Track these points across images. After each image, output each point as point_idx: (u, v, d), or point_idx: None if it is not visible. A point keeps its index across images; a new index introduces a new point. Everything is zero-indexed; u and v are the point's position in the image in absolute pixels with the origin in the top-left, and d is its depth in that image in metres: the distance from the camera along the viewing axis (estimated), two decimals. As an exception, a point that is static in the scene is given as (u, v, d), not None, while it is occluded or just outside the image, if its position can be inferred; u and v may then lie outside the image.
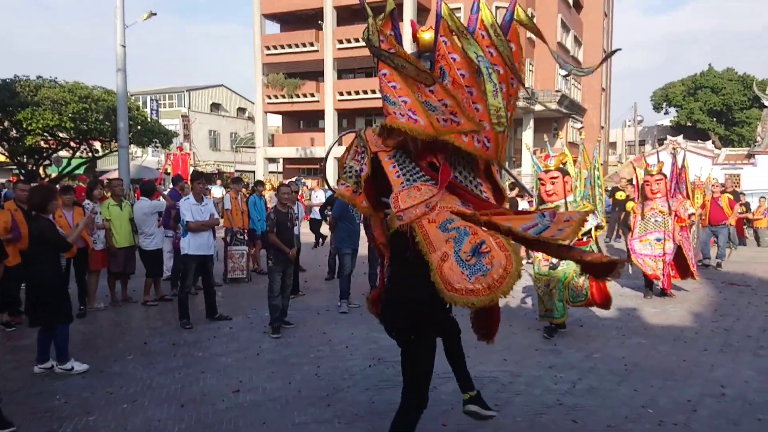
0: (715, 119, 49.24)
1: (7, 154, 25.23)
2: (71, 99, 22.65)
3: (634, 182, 9.92)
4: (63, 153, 27.76)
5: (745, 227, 16.47)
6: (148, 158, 40.20)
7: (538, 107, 31.66)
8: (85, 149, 26.84)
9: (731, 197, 13.27)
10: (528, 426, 4.27)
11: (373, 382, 5.13)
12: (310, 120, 37.87)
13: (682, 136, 35.97)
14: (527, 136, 32.15)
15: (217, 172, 35.65)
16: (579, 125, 38.47)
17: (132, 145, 25.35)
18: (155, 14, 16.37)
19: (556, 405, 4.63)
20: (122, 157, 15.08)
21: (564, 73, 36.34)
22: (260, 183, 11.70)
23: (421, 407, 3.33)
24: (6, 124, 22.86)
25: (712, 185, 12.69)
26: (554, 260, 6.47)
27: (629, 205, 9.67)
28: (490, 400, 4.64)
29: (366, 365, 5.60)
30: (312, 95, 34.46)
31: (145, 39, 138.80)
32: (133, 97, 32.91)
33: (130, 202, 8.76)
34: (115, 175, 18.15)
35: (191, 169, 20.67)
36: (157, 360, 5.80)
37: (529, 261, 7.83)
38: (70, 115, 22.30)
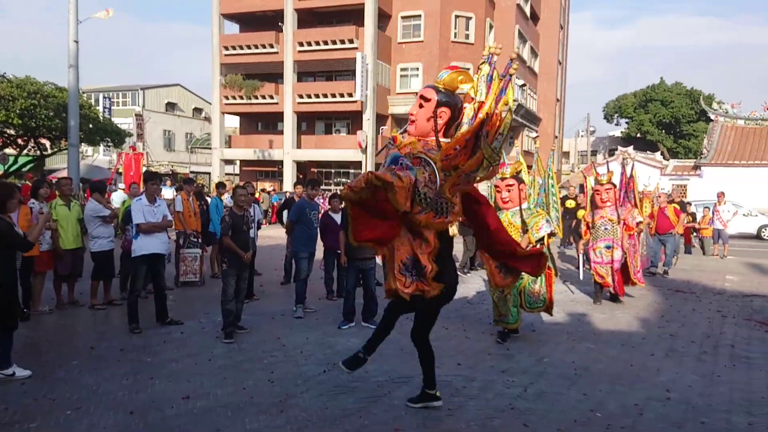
0: (663, 131, 50.99)
1: (-51, 150, 24.23)
2: (19, 95, 21.90)
3: (585, 191, 10.18)
4: (9, 150, 26.79)
5: (692, 236, 17.03)
6: (99, 157, 39.25)
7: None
8: (33, 147, 25.96)
9: (677, 207, 13.73)
10: (480, 429, 4.30)
11: (327, 388, 5.09)
12: (269, 122, 37.51)
13: (632, 146, 37.07)
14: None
15: (171, 173, 34.93)
16: (534, 134, 39.23)
17: (83, 144, 24.66)
18: (109, 12, 15.95)
19: (508, 409, 4.69)
20: (72, 155, 14.67)
21: (521, 83, 37.06)
22: (222, 185, 11.45)
23: None
24: (-51, 119, 21.94)
25: (658, 195, 13.08)
26: (509, 267, 6.57)
27: (580, 213, 9.91)
28: (444, 404, 4.70)
29: (320, 370, 5.56)
30: (271, 97, 34.14)
31: (99, 35, 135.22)
32: (85, 95, 32.05)
33: (79, 203, 8.49)
34: (64, 174, 17.59)
35: (144, 170, 20.20)
36: (104, 365, 5.62)
37: (484, 267, 7.92)
38: (17, 111, 21.55)
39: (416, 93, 4.33)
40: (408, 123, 4.25)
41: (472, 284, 10.45)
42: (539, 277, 6.81)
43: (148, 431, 4.20)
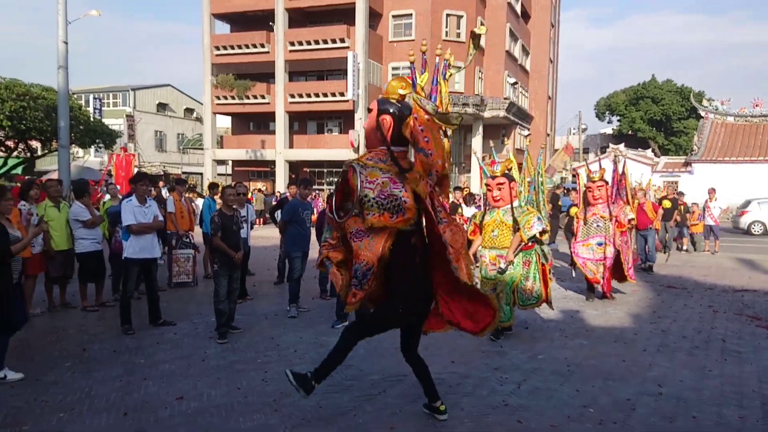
0: (654, 128, 51.27)
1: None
2: (8, 96, 21.70)
3: (578, 189, 10.22)
4: (-2, 153, 26.59)
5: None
6: (90, 159, 38.99)
7: (487, 114, 32.21)
8: (23, 149, 25.75)
9: (656, 202, 13.77)
10: (474, 426, 4.32)
11: (322, 387, 5.02)
12: (261, 122, 37.43)
13: (623, 144, 37.24)
14: (476, 142, 32.63)
15: (162, 173, 34.76)
16: (526, 132, 39.33)
17: (74, 146, 24.48)
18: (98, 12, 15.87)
19: (501, 406, 4.71)
20: (62, 157, 14.56)
21: (513, 81, 37.12)
22: (215, 185, 11.45)
23: None
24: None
25: (633, 189, 13.02)
26: (502, 265, 6.58)
27: (572, 210, 9.93)
28: (437, 403, 4.69)
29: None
30: (263, 97, 34.06)
31: (89, 36, 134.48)
32: (75, 96, 31.83)
33: (68, 204, 8.44)
34: (54, 175, 17.47)
35: (135, 171, 20.10)
36: (96, 368, 5.60)
37: (476, 265, 7.95)
38: (6, 113, 21.37)
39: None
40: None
41: (465, 282, 10.45)
42: (532, 274, 6.83)
43: (141, 432, 4.19)
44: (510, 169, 6.98)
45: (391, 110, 4.10)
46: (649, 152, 37.25)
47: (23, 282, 7.50)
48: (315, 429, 4.27)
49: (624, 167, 9.77)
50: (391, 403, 4.76)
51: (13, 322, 5.25)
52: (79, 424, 4.31)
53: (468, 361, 5.88)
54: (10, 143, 24.91)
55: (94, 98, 37.94)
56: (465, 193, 13.02)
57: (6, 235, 5.19)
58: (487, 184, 6.86)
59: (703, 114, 34.52)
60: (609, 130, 57.72)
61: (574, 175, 25.48)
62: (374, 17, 32.99)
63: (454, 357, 5.97)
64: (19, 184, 10.94)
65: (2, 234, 5.17)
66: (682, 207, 15.74)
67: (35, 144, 25.90)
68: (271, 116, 34.60)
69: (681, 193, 16.42)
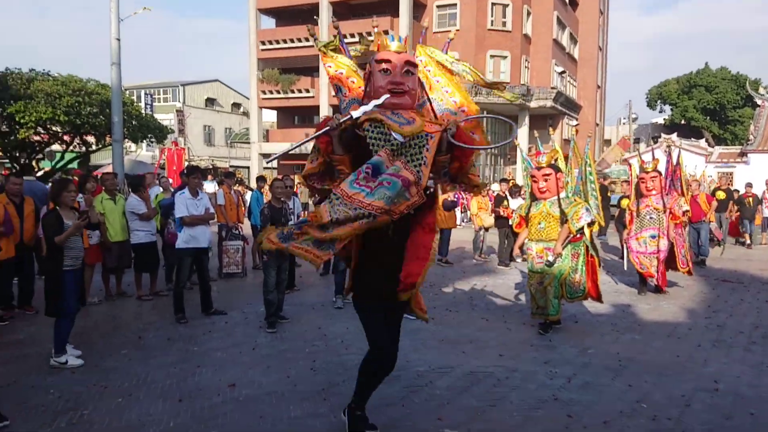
0: (708, 117, 49.48)
1: (-1, 147, 25.00)
2: (65, 92, 22.45)
3: (630, 180, 9.95)
4: (55, 147, 27.53)
5: (740, 229, 16.41)
6: (142, 153, 40.08)
7: (533, 104, 31.68)
8: (78, 143, 26.63)
9: (708, 194, 13.29)
10: (523, 420, 4.28)
11: (369, 377, 5.12)
12: (305, 116, 37.78)
13: (675, 133, 36.07)
14: (522, 133, 32.14)
15: (211, 167, 35.50)
16: (574, 122, 38.51)
17: (126, 140, 25.22)
18: (148, 9, 16.28)
19: (551, 400, 4.65)
20: (116, 151, 15.01)
21: (560, 69, 36.39)
22: (262, 179, 11.69)
23: None
24: (-2, 117, 22.64)
25: (686, 180, 12.54)
26: (550, 258, 6.47)
27: (624, 202, 9.70)
28: (486, 395, 4.69)
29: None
30: (307, 91, 34.38)
31: (139, 33, 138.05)
32: (128, 92, 32.79)
33: (124, 197, 8.72)
34: (109, 169, 18.05)
35: (186, 164, 20.57)
36: (152, 354, 5.79)
37: (524, 258, 7.85)
38: (63, 108, 22.11)
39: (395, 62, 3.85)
40: (386, 98, 3.69)
41: (511, 276, 10.36)
42: (580, 267, 6.71)
43: (195, 418, 4.30)
44: (556, 160, 6.86)
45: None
46: (702, 142, 35.94)
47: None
48: (364, 418, 4.29)
49: (679, 157, 9.48)
50: (438, 394, 4.76)
51: (66, 308, 5.43)
52: (136, 409, 4.46)
53: (516, 354, 5.83)
54: (66, 138, 25.80)
55: (146, 94, 39.08)
56: (510, 184, 12.85)
57: (61, 225, 5.37)
58: (532, 176, 6.75)
59: (759, 102, 33.09)
60: (660, 120, 55.99)
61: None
62: (418, 8, 32.80)
63: (502, 350, 5.93)
64: (76, 178, 11.36)
65: (59, 224, 5.37)
66: (751, 199, 15.08)
67: (90, 139, 26.75)
68: (315, 110, 34.86)
69: (750, 185, 15.57)
